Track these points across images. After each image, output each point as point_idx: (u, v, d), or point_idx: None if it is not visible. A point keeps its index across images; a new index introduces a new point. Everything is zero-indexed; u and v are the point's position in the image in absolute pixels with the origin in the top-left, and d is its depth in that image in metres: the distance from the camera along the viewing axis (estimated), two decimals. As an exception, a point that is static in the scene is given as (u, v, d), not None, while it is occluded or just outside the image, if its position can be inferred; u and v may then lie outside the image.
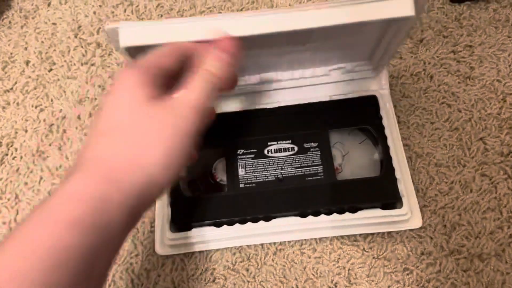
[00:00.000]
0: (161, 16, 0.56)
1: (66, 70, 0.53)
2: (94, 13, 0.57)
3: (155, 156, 0.26)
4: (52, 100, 0.52)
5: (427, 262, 0.42)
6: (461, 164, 0.45)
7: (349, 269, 0.42)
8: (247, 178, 0.43)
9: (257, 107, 0.46)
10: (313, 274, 0.42)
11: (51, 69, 0.53)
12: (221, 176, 0.45)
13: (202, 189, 0.45)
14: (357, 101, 0.46)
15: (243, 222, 0.41)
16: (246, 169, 0.43)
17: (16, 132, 0.50)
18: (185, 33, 0.32)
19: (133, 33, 0.33)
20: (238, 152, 0.44)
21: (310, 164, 0.43)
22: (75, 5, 0.57)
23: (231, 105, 0.46)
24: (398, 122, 0.47)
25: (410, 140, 0.47)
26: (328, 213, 0.42)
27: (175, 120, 0.27)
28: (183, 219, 0.42)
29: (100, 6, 0.57)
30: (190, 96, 0.28)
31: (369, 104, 0.46)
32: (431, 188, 0.45)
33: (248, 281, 0.42)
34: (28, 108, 0.51)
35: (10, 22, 0.57)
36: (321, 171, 0.43)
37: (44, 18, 0.57)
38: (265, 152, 0.44)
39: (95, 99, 0.51)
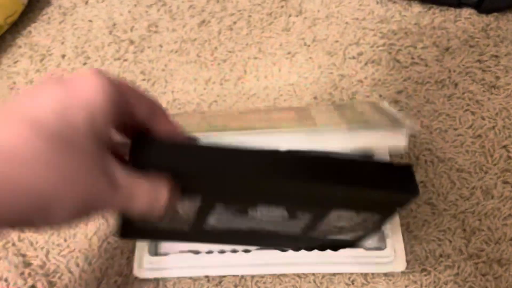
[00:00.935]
0: (193, 17, 0.58)
1: (99, 64, 0.55)
2: (129, 12, 0.59)
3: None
4: (85, 92, 0.54)
5: (445, 264, 0.42)
6: (483, 170, 0.46)
7: (364, 273, 0.42)
8: (216, 227, 0.36)
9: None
10: None
11: (85, 63, 0.56)
12: (186, 209, 0.34)
13: None
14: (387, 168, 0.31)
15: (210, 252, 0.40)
16: (219, 221, 0.35)
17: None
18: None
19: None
20: (216, 205, 0.33)
21: (292, 227, 0.37)
22: (111, 4, 0.60)
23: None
24: (421, 126, 0.48)
25: (433, 145, 0.47)
26: (309, 249, 0.39)
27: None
28: (133, 231, 0.35)
29: (135, 5, 0.59)
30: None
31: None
32: (452, 193, 0.45)
33: None
34: (62, 99, 0.53)
35: (49, 18, 0.59)
36: (300, 231, 0.37)
37: (81, 15, 0.59)
38: (249, 212, 0.34)
39: (126, 92, 0.53)
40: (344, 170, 0.29)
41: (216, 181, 0.29)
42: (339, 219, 0.35)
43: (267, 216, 0.35)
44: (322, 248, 0.40)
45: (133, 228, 0.35)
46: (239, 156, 0.28)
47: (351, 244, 0.40)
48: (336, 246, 0.40)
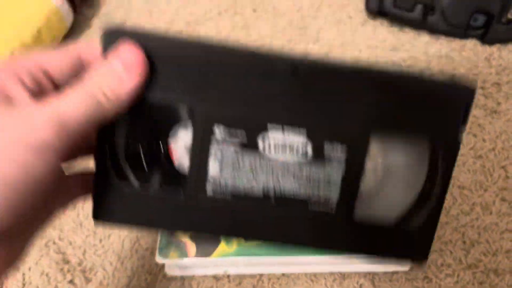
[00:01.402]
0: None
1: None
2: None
3: None
4: (120, 108, 0.59)
5: (446, 273, 0.46)
6: (482, 188, 0.50)
7: (372, 277, 0.46)
8: (220, 182, 0.28)
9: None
10: None
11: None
12: (182, 157, 0.30)
13: (148, 173, 0.30)
14: (437, 92, 0.28)
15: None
16: (223, 164, 0.28)
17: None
18: None
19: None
20: (214, 130, 0.27)
21: (323, 184, 0.28)
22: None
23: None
24: (427, 146, 0.52)
25: (437, 164, 0.51)
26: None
27: (24, 130, 0.22)
28: (107, 214, 0.29)
29: (167, 30, 0.65)
30: (58, 106, 0.23)
31: (453, 106, 0.28)
32: (454, 208, 0.49)
33: None
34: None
35: (89, 40, 0.65)
36: (336, 200, 0.29)
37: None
38: (259, 142, 0.27)
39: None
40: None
41: (207, 73, 0.25)
42: (386, 172, 0.29)
43: (283, 154, 0.27)
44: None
45: (109, 207, 0.29)
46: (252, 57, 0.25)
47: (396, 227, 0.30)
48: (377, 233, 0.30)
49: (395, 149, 0.30)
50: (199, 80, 0.26)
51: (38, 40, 0.58)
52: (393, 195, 0.30)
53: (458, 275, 0.45)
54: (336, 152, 0.28)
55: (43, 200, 0.23)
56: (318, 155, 0.27)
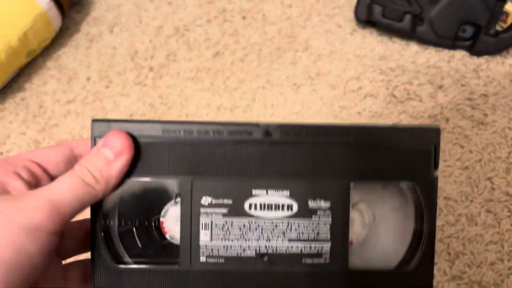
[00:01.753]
0: (209, 48, 0.63)
1: (121, 88, 0.61)
2: (150, 41, 0.64)
3: None
4: (107, 113, 0.59)
5: (430, 284, 0.45)
6: (468, 199, 0.50)
7: None
8: (212, 249, 0.29)
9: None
10: None
11: (108, 86, 0.61)
12: (173, 231, 0.30)
13: (141, 249, 0.31)
14: (407, 138, 0.29)
15: None
16: (213, 232, 0.29)
17: (73, 138, 0.57)
18: None
19: None
20: (202, 202, 0.29)
21: (313, 236, 0.29)
22: (134, 33, 0.65)
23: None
24: (413, 156, 0.52)
25: (423, 174, 0.51)
26: None
27: (18, 213, 0.24)
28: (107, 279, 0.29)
29: (155, 35, 0.65)
30: (50, 190, 0.25)
31: (423, 148, 0.29)
32: (439, 219, 0.49)
33: None
34: (85, 118, 0.59)
35: (77, 44, 0.65)
36: (328, 250, 0.29)
37: (106, 42, 0.65)
38: (245, 207, 0.29)
39: (144, 114, 0.58)
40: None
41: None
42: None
43: (269, 213, 0.29)
44: None
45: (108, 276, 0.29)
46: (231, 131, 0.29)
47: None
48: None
49: (378, 196, 0.31)
50: (183, 158, 0.28)
51: (24, 43, 0.58)
52: (387, 240, 0.31)
53: (442, 287, 0.45)
54: (321, 206, 0.29)
55: (34, 276, 0.25)
56: (304, 210, 0.29)
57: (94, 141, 0.28)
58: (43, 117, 0.59)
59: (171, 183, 0.30)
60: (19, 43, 0.57)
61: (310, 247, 0.29)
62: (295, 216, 0.29)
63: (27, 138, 0.58)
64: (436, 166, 0.29)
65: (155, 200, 0.30)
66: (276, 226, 0.29)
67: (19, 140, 0.58)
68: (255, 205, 0.29)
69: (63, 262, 0.32)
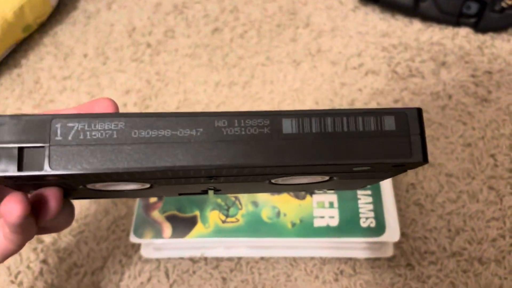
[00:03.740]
0: (207, 25, 0.62)
1: (117, 64, 0.60)
2: (148, 18, 0.63)
3: None
4: (103, 89, 0.58)
5: (430, 260, 0.44)
6: (470, 176, 0.48)
7: (353, 264, 0.45)
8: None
9: None
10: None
11: (105, 63, 0.60)
12: None
13: None
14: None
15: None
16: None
17: (69, 113, 0.56)
18: None
19: None
20: None
21: None
22: (132, 10, 0.64)
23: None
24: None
25: (424, 151, 0.50)
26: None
27: None
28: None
29: (154, 12, 0.64)
30: None
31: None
32: (440, 195, 0.48)
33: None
34: (81, 94, 0.58)
35: (75, 21, 0.64)
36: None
37: (104, 19, 0.64)
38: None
39: (141, 91, 0.57)
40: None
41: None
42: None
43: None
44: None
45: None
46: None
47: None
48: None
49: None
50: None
51: (20, 17, 0.57)
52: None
53: (441, 263, 0.44)
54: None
55: None
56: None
57: None
58: (39, 93, 0.58)
59: None
60: (15, 18, 0.56)
61: None
62: None
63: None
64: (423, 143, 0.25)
65: None
66: None
67: (15, 115, 0.57)
68: None
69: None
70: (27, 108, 0.57)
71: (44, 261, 0.47)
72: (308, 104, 0.55)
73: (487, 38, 0.58)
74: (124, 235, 0.48)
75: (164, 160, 0.23)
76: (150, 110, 0.56)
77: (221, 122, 0.24)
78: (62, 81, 0.59)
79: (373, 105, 0.54)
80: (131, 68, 0.59)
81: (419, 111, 0.25)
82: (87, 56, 0.61)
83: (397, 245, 0.45)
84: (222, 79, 0.58)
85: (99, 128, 0.23)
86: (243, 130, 0.24)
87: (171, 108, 0.56)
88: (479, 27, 0.58)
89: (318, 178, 0.28)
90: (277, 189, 0.32)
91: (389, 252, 0.44)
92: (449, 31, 0.59)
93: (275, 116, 0.24)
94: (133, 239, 0.43)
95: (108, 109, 0.26)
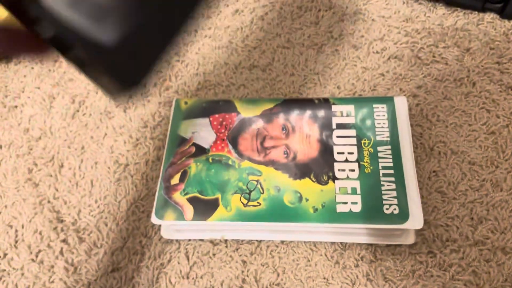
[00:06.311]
0: (228, 6, 0.61)
1: (137, 44, 0.59)
2: None
3: None
4: (122, 69, 0.57)
5: (451, 248, 0.44)
6: (494, 164, 0.48)
7: (373, 250, 0.45)
8: None
9: None
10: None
11: (124, 43, 0.59)
12: None
13: None
14: None
15: None
16: None
17: (88, 93, 0.56)
18: None
19: None
20: None
21: None
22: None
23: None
24: (437, 120, 0.50)
25: (447, 138, 0.49)
26: None
27: None
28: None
29: None
30: None
31: None
32: (462, 183, 0.47)
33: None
34: (100, 73, 0.57)
35: None
36: None
37: None
38: None
39: (160, 71, 0.57)
40: None
41: None
42: None
43: None
44: None
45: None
46: None
47: None
48: None
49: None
50: None
51: None
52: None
53: (464, 252, 0.44)
54: None
55: None
56: None
57: None
58: (58, 72, 0.58)
59: None
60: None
61: None
62: None
63: (41, 92, 0.57)
64: None
65: None
66: None
67: (33, 94, 0.57)
68: None
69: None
70: (46, 87, 0.57)
71: (64, 241, 0.47)
72: (329, 89, 0.54)
73: (513, 24, 0.56)
74: (144, 216, 0.48)
75: None
76: (170, 91, 0.55)
77: None
78: (81, 60, 0.58)
79: (395, 90, 0.53)
80: (150, 48, 0.59)
81: None
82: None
83: (418, 232, 0.45)
84: (242, 61, 0.57)
85: None
86: None
87: (191, 89, 0.55)
88: (505, 13, 0.57)
89: None
90: None
91: (410, 239, 0.44)
92: (474, 16, 0.58)
93: None
94: (155, 220, 0.43)
95: None
